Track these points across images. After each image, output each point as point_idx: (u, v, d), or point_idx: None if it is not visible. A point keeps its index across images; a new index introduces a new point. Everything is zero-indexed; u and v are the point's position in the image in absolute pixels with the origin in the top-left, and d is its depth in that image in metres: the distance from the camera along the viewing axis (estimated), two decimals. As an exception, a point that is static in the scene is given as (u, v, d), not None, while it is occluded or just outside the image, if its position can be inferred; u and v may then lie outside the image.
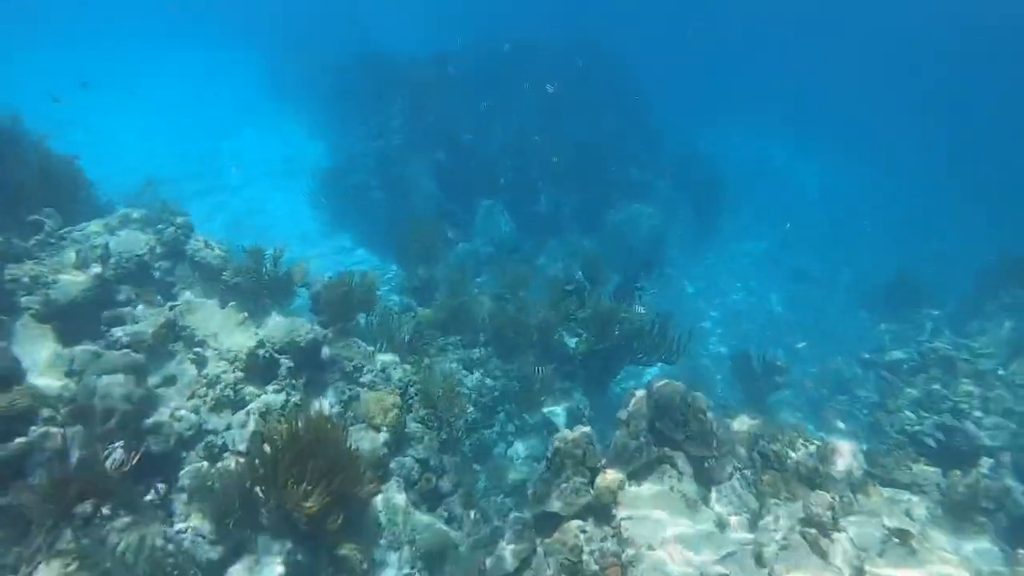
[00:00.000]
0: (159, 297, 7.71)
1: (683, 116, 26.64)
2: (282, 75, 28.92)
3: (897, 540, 5.13)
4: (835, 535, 5.04)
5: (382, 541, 6.31)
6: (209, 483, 5.85)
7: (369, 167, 17.71)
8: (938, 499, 5.96)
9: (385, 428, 6.81)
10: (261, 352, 6.78)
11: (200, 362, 6.66)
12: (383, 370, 7.85)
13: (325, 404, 6.84)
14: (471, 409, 9.47)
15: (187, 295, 7.48)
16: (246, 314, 7.37)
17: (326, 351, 7.62)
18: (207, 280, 7.80)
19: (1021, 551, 5.50)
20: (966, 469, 6.10)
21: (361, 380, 7.65)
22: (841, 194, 25.58)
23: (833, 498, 5.15)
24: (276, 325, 7.27)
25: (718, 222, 20.82)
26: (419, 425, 7.50)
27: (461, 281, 11.26)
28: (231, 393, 6.50)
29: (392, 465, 6.84)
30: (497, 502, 8.40)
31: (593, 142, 20.62)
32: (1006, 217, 19.95)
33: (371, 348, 8.49)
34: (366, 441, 6.65)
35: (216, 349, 6.81)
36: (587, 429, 6.20)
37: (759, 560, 5.15)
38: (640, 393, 6.15)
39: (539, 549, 5.84)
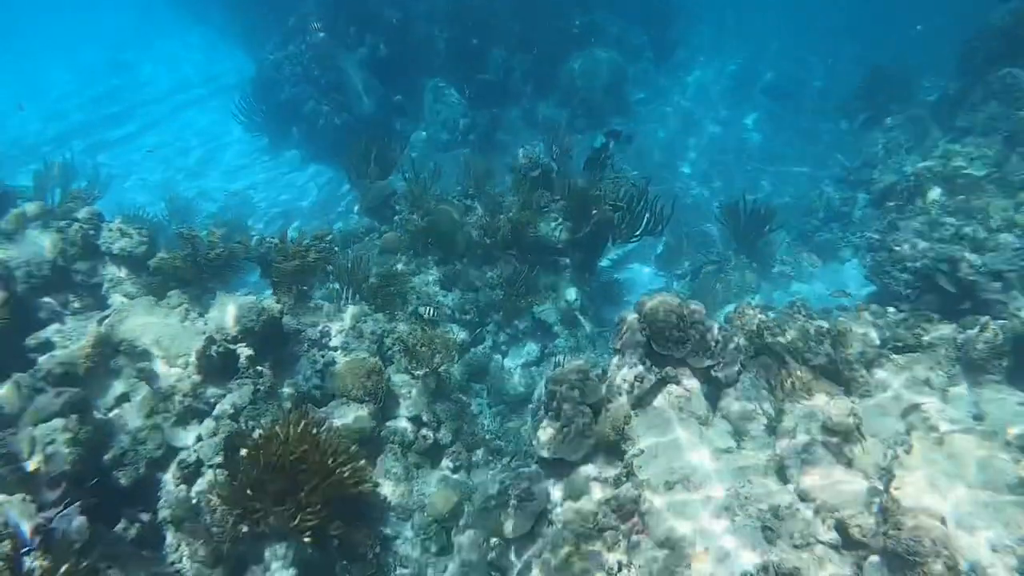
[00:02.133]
0: (91, 299, 6.99)
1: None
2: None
3: (920, 429, 4.77)
4: (859, 436, 4.67)
5: (392, 516, 6.03)
6: (193, 504, 5.48)
7: (297, 75, 16.06)
8: (955, 356, 5.55)
9: (367, 398, 6.33)
10: (213, 349, 6.14)
11: (149, 376, 6.04)
12: (354, 326, 7.25)
13: (300, 383, 6.26)
14: (460, 338, 9.01)
15: (117, 297, 6.71)
16: (186, 307, 6.64)
17: (287, 322, 6.99)
18: (135, 272, 7.00)
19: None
20: (980, 318, 5.63)
21: (332, 344, 7.08)
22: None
23: (853, 402, 4.72)
24: (224, 311, 6.56)
25: (678, 50, 19.31)
26: (405, 376, 7.02)
27: (422, 193, 10.35)
28: (191, 401, 5.95)
29: (383, 433, 6.44)
30: (501, 428, 8.13)
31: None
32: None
33: (338, 301, 7.86)
34: (350, 418, 6.19)
35: (163, 356, 6.16)
36: (581, 362, 5.70)
37: (781, 475, 4.83)
38: (630, 318, 5.58)
39: (553, 493, 5.55)
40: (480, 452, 7.01)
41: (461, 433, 6.90)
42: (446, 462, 6.69)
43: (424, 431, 6.63)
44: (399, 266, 9.50)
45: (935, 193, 7.81)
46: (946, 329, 5.67)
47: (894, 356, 5.58)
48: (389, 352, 7.18)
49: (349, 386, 6.33)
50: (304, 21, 16.96)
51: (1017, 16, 11.79)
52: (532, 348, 9.61)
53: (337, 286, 8.12)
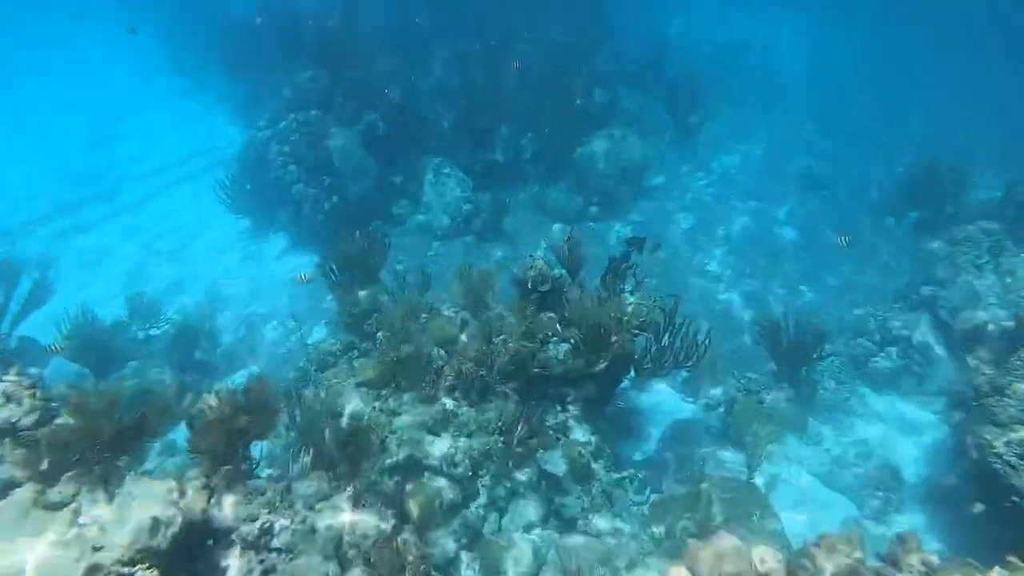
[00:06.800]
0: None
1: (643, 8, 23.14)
2: (180, 42, 24.94)
3: None
4: None
5: None
6: None
7: (285, 153, 14.76)
8: None
9: (307, 650, 4.62)
10: (96, 581, 4.48)
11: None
12: (304, 519, 5.56)
13: None
14: (449, 497, 7.36)
15: (-7, 483, 5.06)
16: (74, 507, 4.99)
17: (216, 515, 5.33)
18: (22, 448, 5.38)
19: None
20: None
21: (274, 544, 5.39)
22: (832, 68, 22.45)
23: None
24: (125, 513, 4.93)
25: (702, 130, 18.04)
26: (367, 590, 5.30)
27: (408, 312, 8.78)
28: (57, 666, 4.25)
29: None
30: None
31: (548, 64, 17.48)
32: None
33: (290, 466, 6.24)
34: None
35: (25, 592, 4.48)
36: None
37: None
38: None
39: None
40: None
41: None
42: None
43: None
44: (375, 404, 7.91)
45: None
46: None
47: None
48: (349, 556, 5.47)
49: (283, 633, 4.62)
50: (299, 93, 15.80)
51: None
52: (538, 506, 7.91)
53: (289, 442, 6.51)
